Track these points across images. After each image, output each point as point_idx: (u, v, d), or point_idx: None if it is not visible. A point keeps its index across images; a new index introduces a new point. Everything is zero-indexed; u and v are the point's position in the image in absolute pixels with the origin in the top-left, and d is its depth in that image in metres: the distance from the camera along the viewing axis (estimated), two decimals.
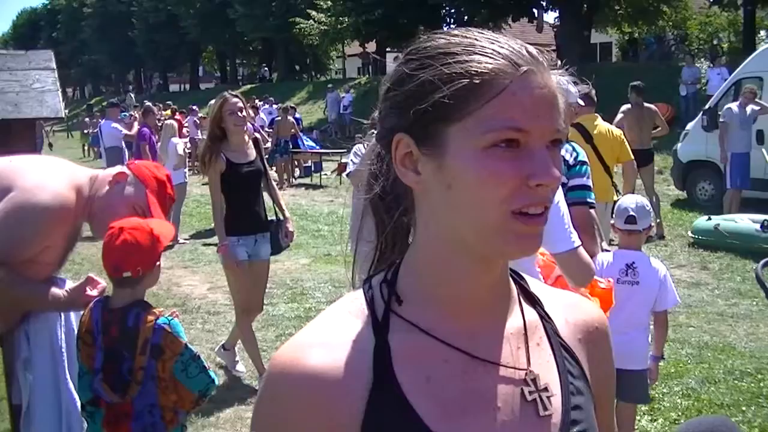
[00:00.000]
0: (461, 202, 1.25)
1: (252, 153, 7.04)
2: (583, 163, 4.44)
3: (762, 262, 5.39)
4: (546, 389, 1.35)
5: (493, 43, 1.26)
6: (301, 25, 42.53)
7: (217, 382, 3.72)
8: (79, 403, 3.82)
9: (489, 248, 1.28)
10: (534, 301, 1.45)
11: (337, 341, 1.31)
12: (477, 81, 1.22)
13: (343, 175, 20.17)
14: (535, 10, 40.58)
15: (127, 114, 23.64)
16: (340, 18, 39.63)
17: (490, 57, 1.24)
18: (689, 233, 12.84)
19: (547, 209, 1.26)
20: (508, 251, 1.28)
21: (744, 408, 6.41)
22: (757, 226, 11.69)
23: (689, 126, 16.69)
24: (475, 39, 1.28)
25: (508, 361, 1.35)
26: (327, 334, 1.32)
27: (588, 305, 1.55)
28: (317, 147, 26.00)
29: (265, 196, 7.28)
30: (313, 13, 42.05)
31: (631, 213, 5.30)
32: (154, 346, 3.47)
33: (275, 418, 1.31)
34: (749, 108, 14.01)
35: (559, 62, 1.34)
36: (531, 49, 1.27)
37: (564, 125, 1.26)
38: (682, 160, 16.31)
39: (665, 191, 17.05)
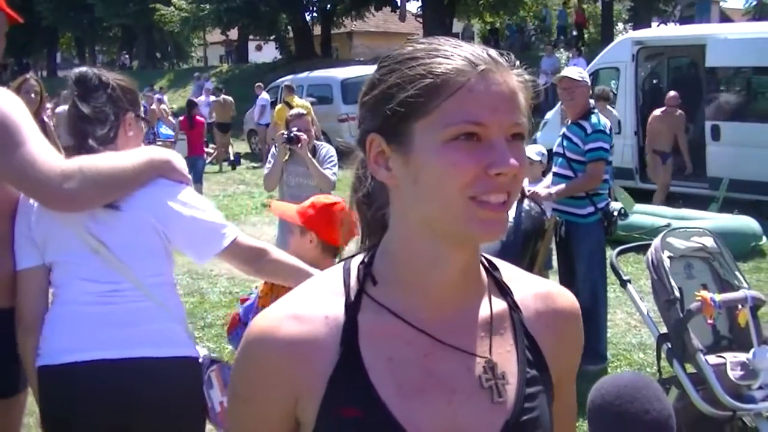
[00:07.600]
0: (426, 193, 1.33)
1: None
2: (599, 131, 6.79)
3: (616, 250, 5.62)
4: (503, 377, 1.43)
5: (454, 47, 1.36)
6: (162, 11, 41.38)
7: None
8: None
9: (455, 234, 1.35)
10: (505, 291, 1.52)
11: (311, 315, 1.41)
12: (439, 80, 1.31)
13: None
14: (398, 0, 40.77)
15: None
16: (201, 5, 38.74)
17: (450, 58, 1.33)
18: None
19: (510, 197, 1.33)
20: (472, 235, 1.34)
21: None
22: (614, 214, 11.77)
23: (548, 115, 16.86)
24: (439, 44, 1.37)
25: (471, 348, 1.43)
26: (302, 308, 1.43)
27: (562, 295, 1.59)
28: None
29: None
30: None
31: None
32: None
33: (247, 381, 1.44)
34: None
35: (518, 63, 1.41)
36: (491, 51, 1.37)
37: (524, 120, 1.34)
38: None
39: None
